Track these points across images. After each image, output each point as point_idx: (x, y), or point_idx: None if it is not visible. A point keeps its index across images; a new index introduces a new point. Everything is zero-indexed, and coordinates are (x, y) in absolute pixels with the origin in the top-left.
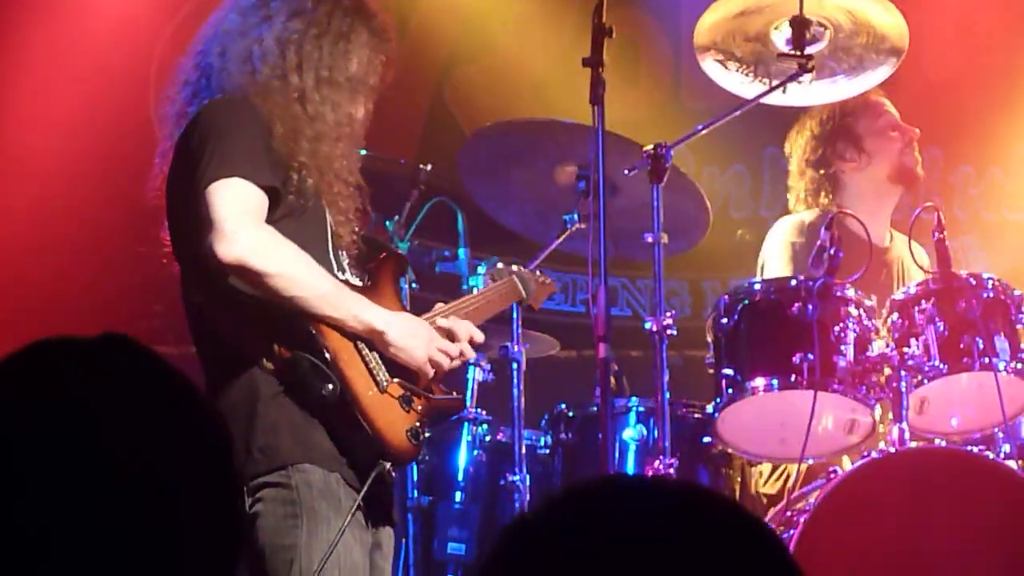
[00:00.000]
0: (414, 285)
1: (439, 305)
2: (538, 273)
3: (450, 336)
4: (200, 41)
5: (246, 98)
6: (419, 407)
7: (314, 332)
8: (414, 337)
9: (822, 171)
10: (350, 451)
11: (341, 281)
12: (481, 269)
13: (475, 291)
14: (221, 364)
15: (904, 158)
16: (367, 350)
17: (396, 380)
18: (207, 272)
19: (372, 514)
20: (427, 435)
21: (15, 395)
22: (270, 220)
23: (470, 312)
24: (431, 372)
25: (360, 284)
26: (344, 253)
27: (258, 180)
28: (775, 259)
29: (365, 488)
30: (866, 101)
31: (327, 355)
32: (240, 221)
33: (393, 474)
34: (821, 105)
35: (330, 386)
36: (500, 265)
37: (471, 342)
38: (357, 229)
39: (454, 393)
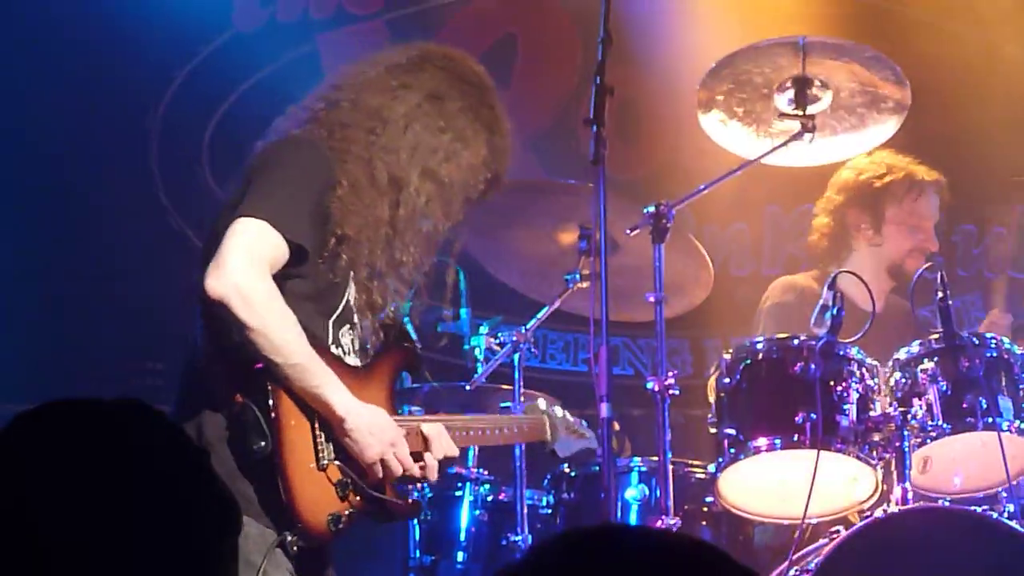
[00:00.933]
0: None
1: (458, 418)
2: (576, 421)
3: (425, 445)
4: (336, 78)
5: (317, 144)
6: (355, 499)
7: (269, 389)
8: (371, 434)
9: (839, 227)
10: (269, 512)
11: (333, 356)
12: (483, 329)
13: (477, 354)
14: (183, 395)
15: (907, 259)
16: (319, 427)
17: (338, 464)
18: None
19: (310, 570)
20: (342, 527)
21: (39, 457)
22: (287, 271)
23: (480, 435)
24: (379, 473)
25: (355, 365)
26: (353, 331)
27: (286, 231)
28: (764, 323)
29: (264, 557)
30: (914, 189)
31: (272, 415)
32: (242, 264)
33: (298, 547)
34: (881, 157)
35: (263, 443)
36: (542, 402)
37: (443, 460)
38: (387, 317)
39: (409, 500)
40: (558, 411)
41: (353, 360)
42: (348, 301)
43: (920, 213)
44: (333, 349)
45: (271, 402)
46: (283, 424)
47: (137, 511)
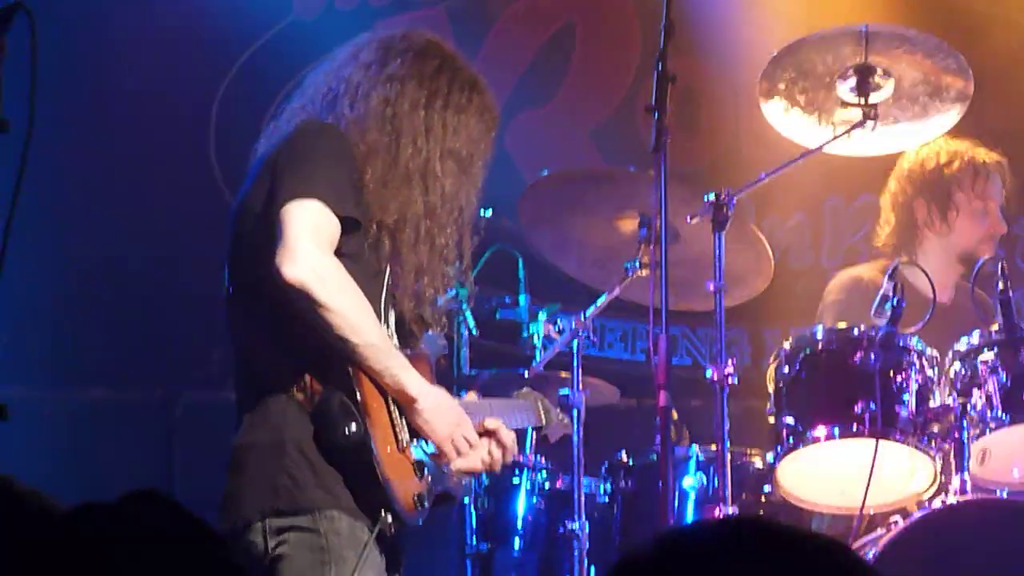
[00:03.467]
0: (474, 332)
1: (470, 395)
2: (559, 411)
3: (495, 436)
4: (313, 84)
5: (344, 132)
6: (429, 478)
7: (351, 373)
8: (441, 414)
9: (906, 217)
10: (363, 495)
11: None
12: (542, 316)
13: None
14: (253, 392)
15: (979, 247)
16: (396, 409)
17: (415, 444)
18: (262, 292)
19: (389, 562)
20: (426, 505)
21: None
22: (338, 252)
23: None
24: (452, 453)
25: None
26: (391, 319)
27: (337, 208)
28: (823, 316)
29: (371, 536)
30: (980, 173)
31: (358, 397)
32: (311, 245)
33: (394, 529)
34: (940, 144)
35: (354, 426)
36: (526, 390)
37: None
38: (423, 306)
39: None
40: (538, 395)
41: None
42: (386, 285)
43: (987, 195)
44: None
45: (354, 383)
46: (368, 406)
47: None
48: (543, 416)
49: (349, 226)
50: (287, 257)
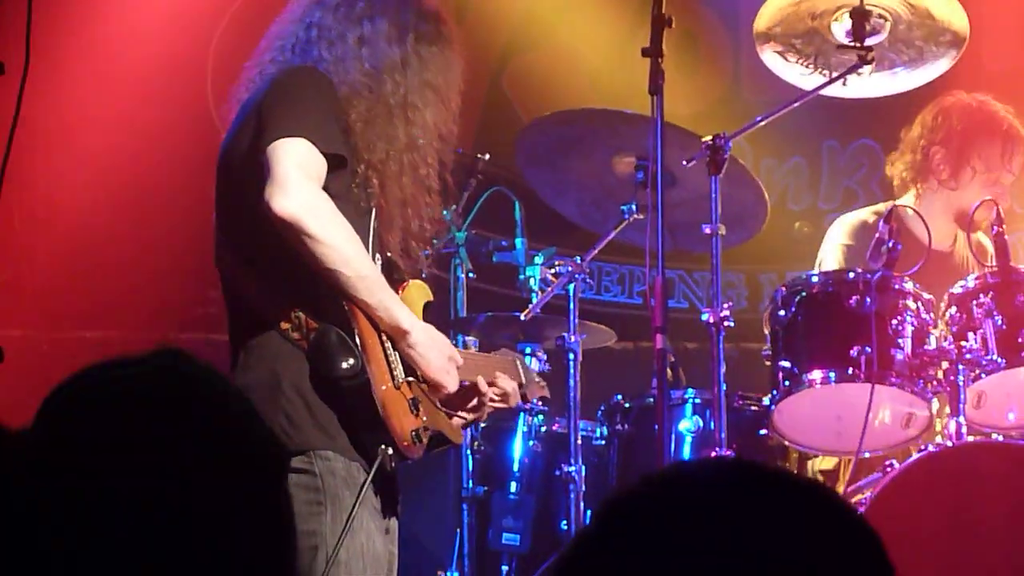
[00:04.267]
0: (471, 275)
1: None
2: (535, 372)
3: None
4: (278, 36)
5: (326, 74)
6: (424, 416)
7: (347, 309)
8: (434, 347)
9: (920, 159)
10: (359, 433)
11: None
12: (538, 259)
13: (532, 284)
14: (246, 331)
15: (976, 212)
16: (389, 344)
17: (410, 380)
18: (252, 231)
19: (385, 503)
20: (423, 441)
21: (77, 428)
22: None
23: (478, 365)
24: (446, 385)
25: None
26: (379, 259)
27: (324, 146)
28: (828, 260)
29: (373, 471)
30: (1007, 142)
31: (355, 332)
32: (301, 179)
33: (394, 464)
34: (984, 102)
35: (352, 360)
36: (504, 351)
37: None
38: (409, 238)
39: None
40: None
41: None
42: (374, 229)
43: (1002, 167)
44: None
45: (351, 319)
46: (365, 342)
47: (192, 476)
48: (522, 375)
49: (335, 164)
50: (278, 191)
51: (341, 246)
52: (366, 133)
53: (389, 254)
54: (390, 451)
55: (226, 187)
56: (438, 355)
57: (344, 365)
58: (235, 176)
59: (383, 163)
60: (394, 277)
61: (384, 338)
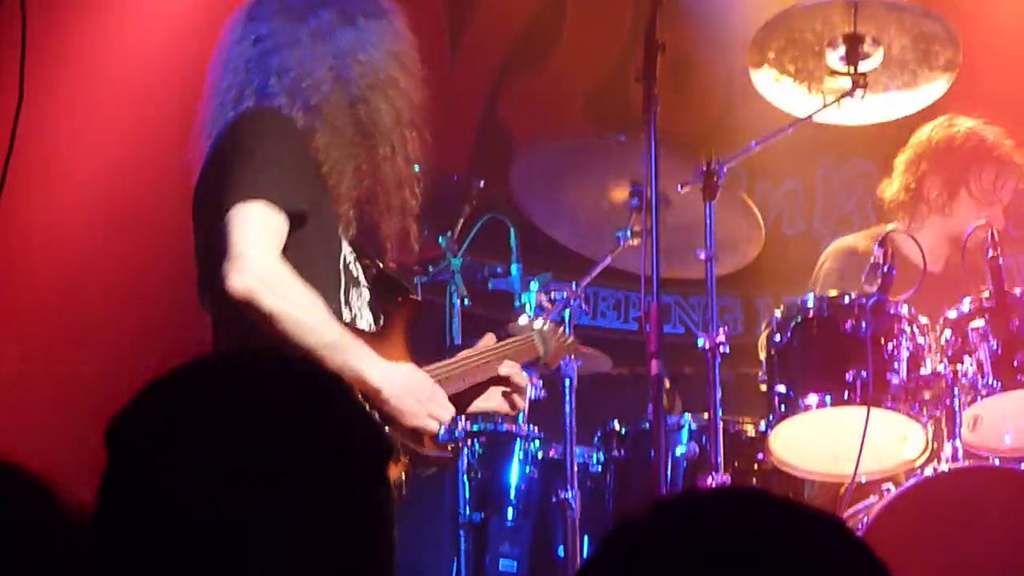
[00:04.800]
0: (466, 301)
1: (463, 353)
2: (561, 331)
3: (509, 381)
4: (227, 63)
5: (283, 112)
6: (404, 460)
7: None
8: (408, 397)
9: (915, 187)
10: None
11: (347, 324)
12: (534, 286)
13: (528, 310)
14: None
15: (969, 239)
16: (361, 398)
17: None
18: (215, 290)
19: None
20: (404, 492)
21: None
22: (287, 242)
23: (481, 365)
24: (427, 428)
25: (370, 328)
26: (359, 288)
27: (284, 204)
28: (818, 285)
29: None
30: (996, 166)
31: None
32: (256, 254)
33: None
34: (974, 127)
35: None
36: (524, 320)
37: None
38: (383, 262)
39: (449, 448)
40: (539, 324)
41: (364, 324)
42: (344, 263)
43: (996, 189)
44: (346, 314)
45: None
46: None
47: (289, 470)
48: (540, 347)
49: (300, 218)
50: (231, 268)
51: (299, 318)
52: (334, 161)
53: (381, 265)
54: None
55: (199, 241)
56: (413, 402)
57: None
58: (203, 233)
59: (355, 188)
60: (392, 294)
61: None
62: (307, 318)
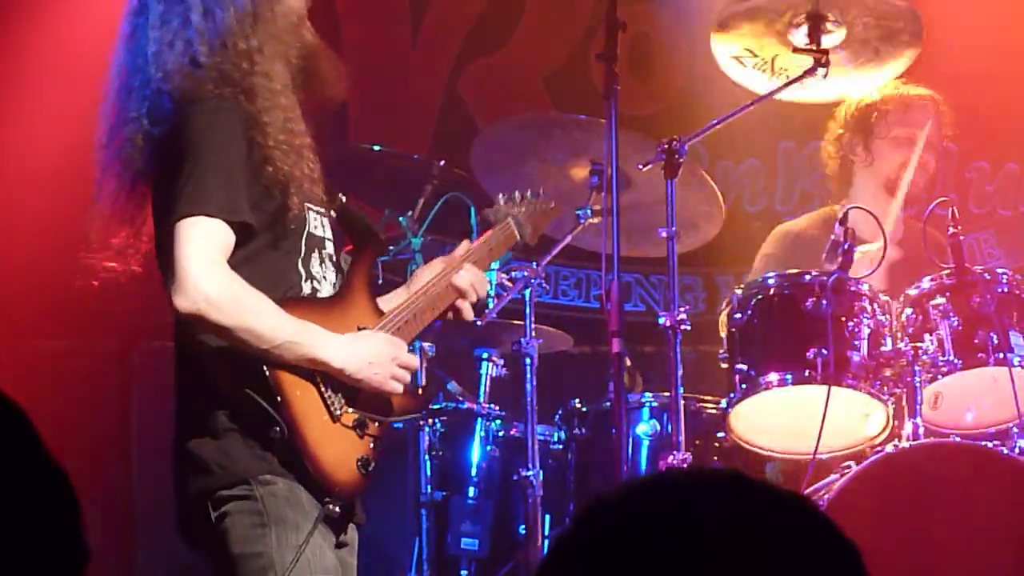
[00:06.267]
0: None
1: (462, 245)
2: (537, 199)
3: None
4: (130, 38)
5: (226, 101)
6: (374, 428)
7: (267, 374)
8: (372, 365)
9: (841, 154)
10: (295, 475)
11: (307, 300)
12: (494, 264)
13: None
14: (189, 383)
15: (902, 172)
16: (323, 383)
17: (350, 410)
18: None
19: (337, 518)
20: (372, 467)
21: None
22: (246, 248)
23: (442, 293)
24: (394, 390)
25: (329, 295)
26: (323, 253)
27: (230, 216)
28: (756, 270)
29: (314, 525)
30: (901, 103)
31: (278, 399)
32: (201, 271)
33: (339, 508)
34: (873, 90)
35: (277, 429)
36: (502, 201)
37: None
38: (325, 190)
39: (419, 391)
40: (516, 197)
41: (328, 287)
42: (308, 231)
43: (911, 123)
44: (306, 288)
45: (272, 385)
46: (290, 400)
47: None
48: (516, 232)
49: (247, 228)
50: (177, 288)
51: (248, 326)
52: (279, 145)
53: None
54: (336, 509)
55: (158, 242)
56: (377, 367)
57: (271, 435)
58: (158, 230)
59: (293, 165)
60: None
61: (319, 379)
62: (256, 326)
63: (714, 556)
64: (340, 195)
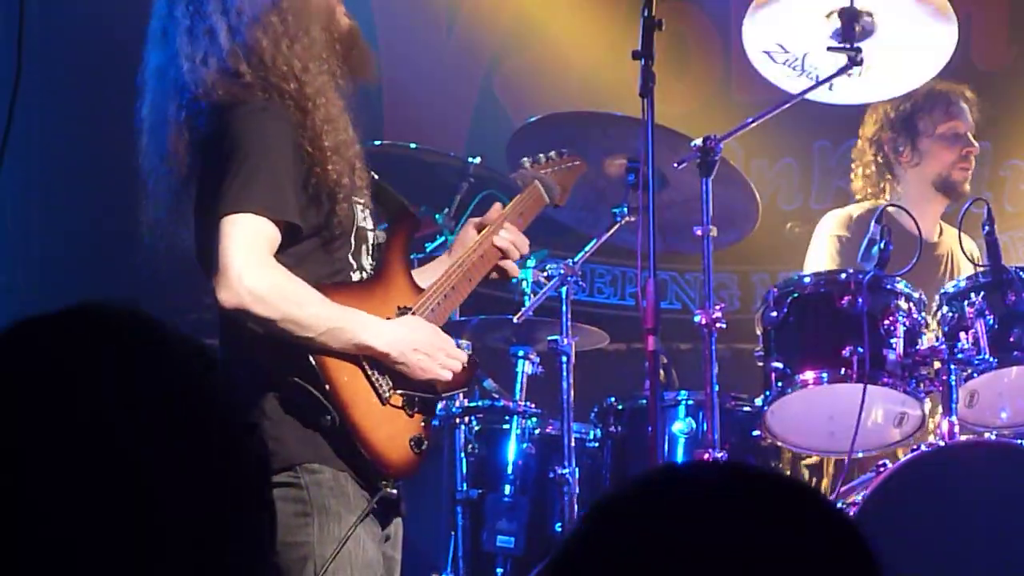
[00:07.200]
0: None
1: (495, 208)
2: (562, 157)
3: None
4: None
5: (275, 105)
6: (424, 407)
7: (314, 363)
8: (417, 351)
9: (880, 157)
10: (345, 460)
11: (351, 287)
12: (530, 262)
13: (525, 287)
14: (238, 367)
15: (953, 171)
16: (370, 367)
17: (399, 391)
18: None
19: (383, 509)
20: (425, 445)
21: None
22: (294, 248)
23: (476, 262)
24: (440, 377)
25: (369, 277)
26: (366, 243)
27: (277, 214)
28: (820, 252)
29: (370, 505)
30: (941, 99)
31: (326, 387)
32: (245, 265)
33: (396, 489)
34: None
35: (328, 417)
36: (527, 164)
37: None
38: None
39: (465, 365)
40: (540, 159)
41: (369, 264)
42: (357, 225)
43: (953, 117)
44: (355, 277)
45: (319, 373)
46: (338, 386)
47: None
48: (545, 195)
49: (294, 228)
50: (220, 282)
51: (295, 317)
52: (327, 152)
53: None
54: (387, 488)
55: (197, 232)
56: (423, 356)
57: (321, 423)
58: (200, 230)
59: (335, 169)
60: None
61: (364, 363)
62: (301, 316)
63: (720, 555)
64: (372, 173)
